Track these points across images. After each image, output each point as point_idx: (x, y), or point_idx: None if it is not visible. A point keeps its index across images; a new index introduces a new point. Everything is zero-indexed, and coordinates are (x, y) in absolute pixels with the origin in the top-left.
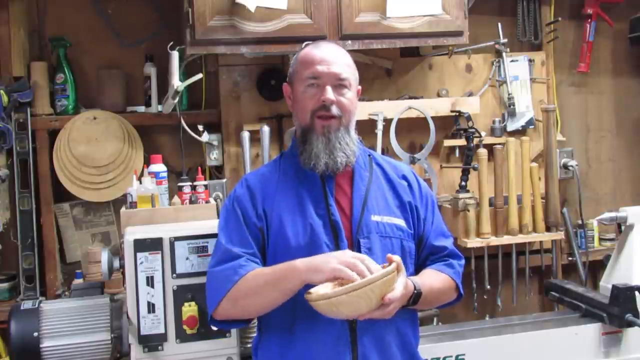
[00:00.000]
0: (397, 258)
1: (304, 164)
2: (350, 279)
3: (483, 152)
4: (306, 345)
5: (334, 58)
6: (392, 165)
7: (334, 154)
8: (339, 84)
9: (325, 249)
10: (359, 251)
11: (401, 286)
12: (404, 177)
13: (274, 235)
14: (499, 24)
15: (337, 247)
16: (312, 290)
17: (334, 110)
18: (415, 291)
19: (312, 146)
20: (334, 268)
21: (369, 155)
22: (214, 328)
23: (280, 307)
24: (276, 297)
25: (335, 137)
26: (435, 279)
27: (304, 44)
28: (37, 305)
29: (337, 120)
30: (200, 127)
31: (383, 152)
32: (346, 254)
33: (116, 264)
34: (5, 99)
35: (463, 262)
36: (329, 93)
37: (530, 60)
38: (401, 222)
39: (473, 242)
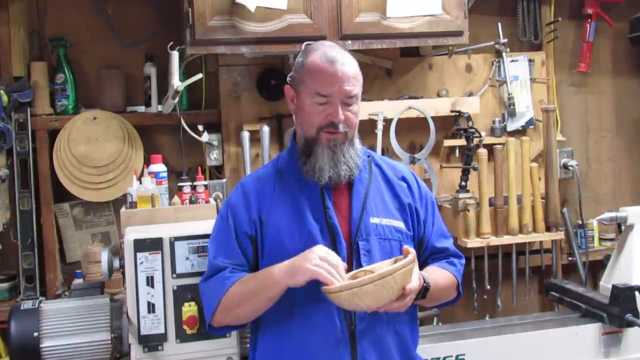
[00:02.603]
0: (412, 250)
1: (306, 175)
2: (327, 280)
3: (483, 152)
4: (305, 348)
5: (345, 73)
6: (391, 166)
7: (337, 167)
8: (348, 99)
9: None
10: (358, 253)
11: (417, 278)
12: (403, 179)
13: (270, 240)
14: (499, 24)
15: (335, 250)
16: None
17: (341, 127)
18: (425, 284)
19: (316, 159)
20: (310, 270)
21: (368, 156)
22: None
23: (277, 310)
24: (263, 304)
25: (340, 150)
26: (439, 275)
27: (304, 44)
28: (37, 305)
29: (343, 135)
30: (200, 127)
31: (383, 152)
32: (316, 252)
33: (116, 264)
34: (5, 99)
35: (464, 261)
36: (340, 114)
37: (530, 60)
38: (400, 224)
39: (473, 242)
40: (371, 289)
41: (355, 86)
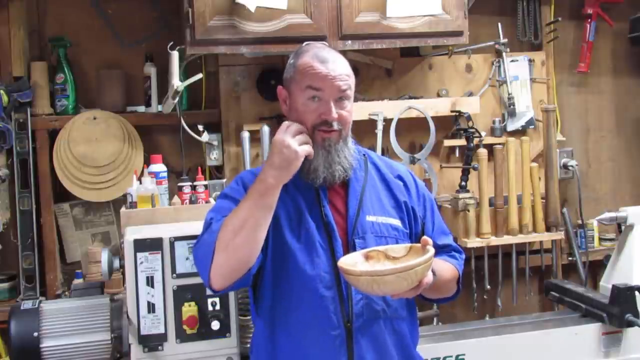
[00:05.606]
0: (431, 242)
1: (300, 177)
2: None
3: (483, 152)
4: (302, 346)
5: (336, 70)
6: (388, 164)
7: (332, 168)
8: (340, 97)
9: (320, 249)
10: (355, 251)
11: (431, 271)
12: (400, 177)
13: (273, 233)
14: (499, 24)
15: (331, 247)
16: (342, 260)
17: (336, 125)
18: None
19: (310, 160)
20: (300, 153)
21: (364, 155)
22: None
23: (273, 308)
24: (260, 218)
25: (335, 150)
26: (443, 267)
27: (299, 47)
28: (37, 305)
29: (337, 133)
30: (200, 127)
31: (383, 152)
32: (285, 138)
33: (116, 264)
34: (5, 99)
35: (464, 256)
36: (333, 111)
37: (530, 60)
38: (396, 222)
39: (473, 242)
40: (391, 280)
41: (347, 83)
